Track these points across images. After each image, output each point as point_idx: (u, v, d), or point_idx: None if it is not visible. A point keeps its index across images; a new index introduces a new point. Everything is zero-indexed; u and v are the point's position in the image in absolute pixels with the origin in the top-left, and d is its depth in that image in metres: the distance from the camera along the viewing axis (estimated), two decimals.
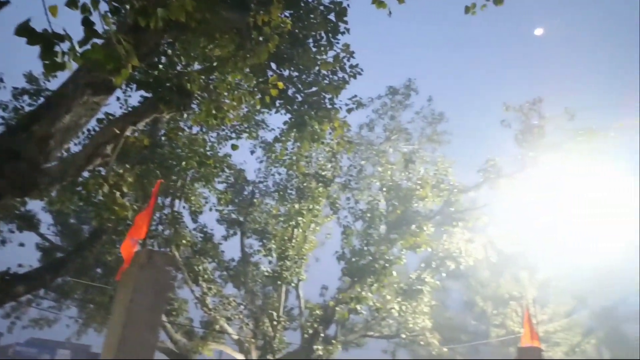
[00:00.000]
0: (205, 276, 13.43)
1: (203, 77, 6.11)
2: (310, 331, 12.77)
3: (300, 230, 12.67)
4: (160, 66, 6.03)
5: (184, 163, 10.34)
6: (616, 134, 11.10)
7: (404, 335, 14.88)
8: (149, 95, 5.97)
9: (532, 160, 11.78)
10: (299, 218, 12.33)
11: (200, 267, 13.40)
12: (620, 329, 22.79)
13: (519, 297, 17.81)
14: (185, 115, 8.05)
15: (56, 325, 15.50)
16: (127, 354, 3.17)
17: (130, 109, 7.68)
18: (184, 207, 13.05)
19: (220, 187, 13.61)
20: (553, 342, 19.27)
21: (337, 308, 12.38)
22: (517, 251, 16.64)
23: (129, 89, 8.24)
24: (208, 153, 11.19)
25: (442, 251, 13.90)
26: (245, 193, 14.33)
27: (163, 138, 9.85)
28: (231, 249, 15.03)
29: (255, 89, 6.35)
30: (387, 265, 11.56)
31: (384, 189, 12.95)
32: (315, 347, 12.30)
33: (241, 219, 14.13)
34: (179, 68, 6.22)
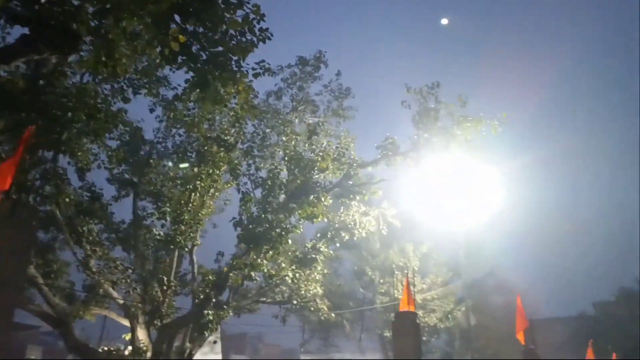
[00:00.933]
0: (90, 238, 12.57)
1: (95, 20, 5.54)
2: (202, 296, 12.61)
3: (198, 195, 12.30)
4: (44, 1, 5.35)
5: (70, 114, 9.44)
6: (500, 123, 12.17)
7: (295, 302, 15.35)
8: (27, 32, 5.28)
9: (425, 141, 12.55)
10: (197, 182, 11.95)
11: (85, 228, 12.50)
12: (486, 299, 25.70)
13: (403, 268, 19.19)
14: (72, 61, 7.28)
15: None
16: None
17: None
18: (69, 163, 12.01)
19: (114, 144, 12.71)
20: (430, 309, 21.18)
21: (231, 274, 12.34)
22: (405, 225, 17.80)
23: (7, 26, 7.27)
24: (99, 106, 10.34)
25: (338, 222, 14.43)
26: (142, 153, 13.51)
27: (46, 84, 8.85)
28: (122, 211, 14.13)
29: (155, 41, 5.92)
30: (283, 233, 11.69)
31: (287, 159, 12.98)
32: (205, 312, 12.20)
33: (135, 179, 13.33)
34: (67, 6, 5.56)
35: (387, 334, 20.68)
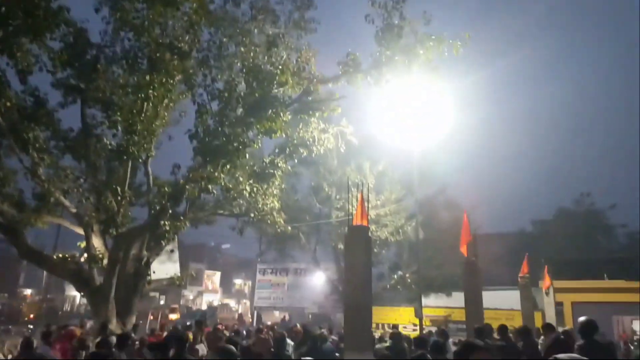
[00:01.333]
0: (37, 145, 12.04)
1: None
2: (158, 207, 12.61)
3: (151, 105, 11.79)
4: None
5: (4, 9, 8.58)
6: (462, 43, 12.02)
7: (252, 215, 15.67)
8: None
9: (388, 59, 12.31)
10: (150, 91, 11.40)
11: (31, 135, 11.92)
12: (436, 214, 27.14)
13: (359, 185, 19.72)
14: None
15: None
16: None
17: None
18: (7, 64, 11.12)
19: (56, 45, 11.76)
20: (382, 224, 22.23)
21: (187, 187, 12.29)
22: (363, 143, 18.02)
23: None
24: (37, 1, 9.42)
25: (297, 139, 14.38)
26: (88, 57, 12.62)
27: None
28: (70, 118, 13.46)
29: None
30: (241, 147, 11.58)
31: (245, 71, 12.51)
32: (162, 222, 12.28)
33: (82, 85, 12.57)
34: None
35: (341, 246, 21.73)
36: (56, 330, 11.39)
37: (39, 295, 39.91)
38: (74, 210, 13.66)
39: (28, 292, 44.16)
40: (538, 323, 15.79)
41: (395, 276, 25.80)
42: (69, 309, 43.22)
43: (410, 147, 16.56)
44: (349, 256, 6.73)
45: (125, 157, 12.17)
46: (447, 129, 15.66)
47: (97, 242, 13.68)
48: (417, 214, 21.07)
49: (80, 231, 14.44)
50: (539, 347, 9.21)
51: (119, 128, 11.74)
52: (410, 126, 15.24)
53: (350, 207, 17.07)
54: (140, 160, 12.74)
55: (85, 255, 14.01)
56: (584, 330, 8.31)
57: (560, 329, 9.36)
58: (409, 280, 24.64)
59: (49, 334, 9.34)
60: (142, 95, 11.34)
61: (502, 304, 23.02)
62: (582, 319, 8.73)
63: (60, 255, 14.10)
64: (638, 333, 21.19)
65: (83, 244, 14.45)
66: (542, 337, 10.27)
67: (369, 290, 6.57)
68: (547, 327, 9.26)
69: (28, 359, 7.60)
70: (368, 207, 8.29)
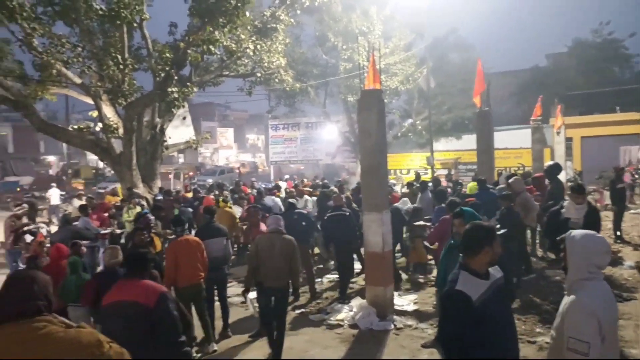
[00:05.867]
0: (24, 14, 11.30)
1: None
2: (162, 74, 12.29)
3: None
4: None
5: None
6: None
7: (259, 74, 15.27)
8: None
9: None
10: None
11: (15, 2, 11.11)
12: (446, 57, 26.11)
13: (367, 32, 18.67)
14: None
15: None
16: None
17: None
18: None
19: None
20: (392, 73, 21.57)
21: (189, 51, 11.78)
22: None
23: None
24: None
25: None
26: None
27: None
28: None
29: None
30: (239, 4, 10.76)
31: None
32: (169, 90, 12.08)
33: None
34: None
35: (350, 98, 21.52)
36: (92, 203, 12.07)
37: (63, 161, 41.54)
38: (78, 81, 13.42)
39: (51, 158, 45.88)
40: (546, 160, 16.32)
41: (406, 124, 25.98)
42: (93, 171, 45.53)
43: None
44: (363, 121, 6.66)
45: (118, 22, 11.48)
46: None
47: (109, 111, 13.72)
48: (427, 60, 20.32)
49: (89, 100, 14.40)
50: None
51: None
52: None
53: (358, 57, 16.50)
54: (135, 24, 12.01)
55: (100, 125, 14.18)
56: (549, 172, 9.22)
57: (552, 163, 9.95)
58: (419, 127, 24.88)
59: (86, 207, 9.96)
60: None
61: (512, 142, 23.55)
62: (549, 163, 10.06)
63: (76, 127, 14.27)
64: None
65: (95, 114, 14.53)
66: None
67: (384, 153, 6.67)
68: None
69: (74, 229, 8.21)
70: (380, 69, 7.95)
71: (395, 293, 7.55)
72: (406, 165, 26.46)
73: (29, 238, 8.58)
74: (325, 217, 8.28)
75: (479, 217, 4.62)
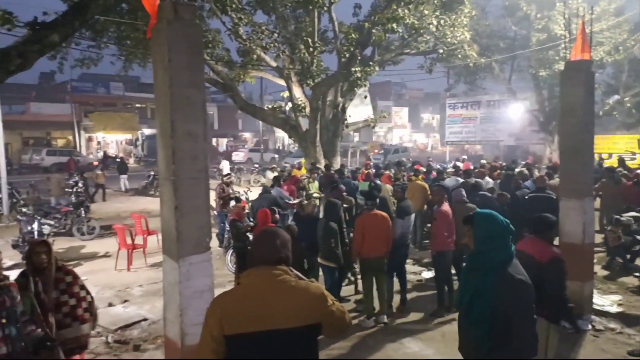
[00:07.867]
0: (234, 5, 12.87)
1: None
2: (347, 55, 12.77)
3: None
4: None
5: None
6: None
7: (441, 50, 14.77)
8: None
9: None
10: None
11: None
12: None
13: None
14: None
15: (101, 63, 15.76)
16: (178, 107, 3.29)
17: None
18: None
19: None
20: (597, 42, 18.70)
21: (373, 30, 11.99)
22: None
23: None
24: None
25: None
26: None
27: None
28: None
29: None
30: None
31: None
32: (353, 69, 12.53)
33: None
34: None
35: (543, 73, 19.41)
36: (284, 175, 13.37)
37: (256, 137, 46.90)
38: (273, 64, 14.84)
39: (247, 135, 52.19)
40: None
41: (611, 101, 22.41)
42: (280, 146, 50.44)
43: None
44: (566, 96, 5.89)
45: (310, 7, 12.27)
46: None
47: (297, 92, 14.90)
48: None
49: (281, 82, 15.82)
50: None
51: None
52: None
53: (554, 27, 14.64)
54: (324, 8, 12.68)
55: (290, 104, 15.54)
56: None
57: None
58: (628, 105, 21.23)
59: (279, 178, 11.08)
60: None
61: None
62: None
63: (271, 106, 15.89)
64: None
65: (286, 94, 15.95)
66: None
67: (591, 133, 5.81)
68: None
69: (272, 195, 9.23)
70: (591, 36, 6.91)
71: (595, 291, 6.67)
72: (608, 149, 22.86)
73: (233, 203, 9.86)
74: (526, 197, 7.80)
75: None
